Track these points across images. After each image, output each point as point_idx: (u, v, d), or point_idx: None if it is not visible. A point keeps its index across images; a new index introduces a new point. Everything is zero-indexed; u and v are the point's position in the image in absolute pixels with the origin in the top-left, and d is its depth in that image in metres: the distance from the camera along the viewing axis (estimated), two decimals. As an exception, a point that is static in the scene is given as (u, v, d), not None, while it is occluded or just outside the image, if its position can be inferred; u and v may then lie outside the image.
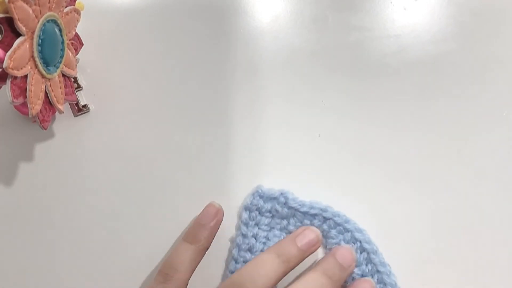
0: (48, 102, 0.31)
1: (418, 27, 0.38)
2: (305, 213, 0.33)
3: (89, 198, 0.34)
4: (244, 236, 0.33)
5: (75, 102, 0.35)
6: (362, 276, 0.32)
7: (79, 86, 0.36)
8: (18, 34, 0.27)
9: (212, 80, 0.37)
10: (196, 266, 0.31)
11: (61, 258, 0.33)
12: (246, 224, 0.33)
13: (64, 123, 0.36)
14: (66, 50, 0.32)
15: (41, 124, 0.30)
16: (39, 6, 0.27)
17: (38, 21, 0.28)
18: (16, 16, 0.25)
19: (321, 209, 0.33)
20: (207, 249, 0.32)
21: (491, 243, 0.33)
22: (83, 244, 0.34)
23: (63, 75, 0.32)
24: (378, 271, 0.32)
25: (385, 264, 0.32)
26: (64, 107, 0.32)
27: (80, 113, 0.36)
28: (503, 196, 0.34)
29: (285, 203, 0.33)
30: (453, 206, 0.34)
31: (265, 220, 0.33)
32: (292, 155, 0.35)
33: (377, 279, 0.32)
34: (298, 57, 0.38)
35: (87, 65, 0.37)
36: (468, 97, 0.37)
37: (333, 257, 0.31)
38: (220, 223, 0.33)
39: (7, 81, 0.26)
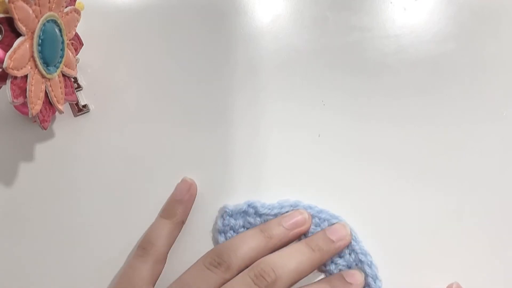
0: (48, 102, 0.31)
1: (418, 27, 0.38)
2: (277, 215, 0.33)
3: (89, 198, 0.34)
4: None
5: (75, 102, 0.35)
6: (348, 266, 0.32)
7: (79, 86, 0.36)
8: (18, 34, 0.27)
9: (212, 80, 0.37)
10: (174, 240, 0.33)
11: (61, 258, 0.33)
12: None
13: (64, 123, 0.36)
14: (66, 50, 0.32)
15: (41, 124, 0.30)
16: (39, 6, 0.27)
17: (38, 21, 0.28)
18: (16, 16, 0.25)
19: (291, 206, 0.33)
20: (183, 223, 0.33)
21: (491, 242, 0.33)
22: (83, 243, 0.34)
23: (63, 75, 0.32)
24: (360, 261, 0.32)
25: (366, 253, 0.32)
26: (64, 107, 0.32)
27: (80, 113, 0.36)
28: (502, 195, 0.34)
29: (255, 213, 0.33)
30: (454, 205, 0.34)
31: None
32: (292, 155, 0.35)
33: (360, 270, 0.32)
34: (298, 57, 0.38)
35: (87, 65, 0.37)
36: (468, 97, 0.37)
37: (322, 231, 0.32)
38: (194, 197, 0.34)
39: (7, 81, 0.26)
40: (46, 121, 0.31)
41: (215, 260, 0.30)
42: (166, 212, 0.33)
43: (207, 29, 0.38)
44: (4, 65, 0.26)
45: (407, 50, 0.38)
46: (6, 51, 0.26)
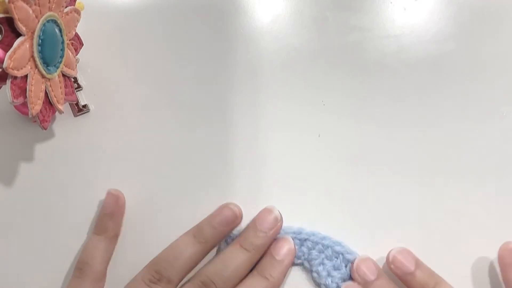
0: (48, 102, 0.31)
1: (418, 27, 0.38)
2: None
3: (89, 198, 0.34)
4: None
5: (75, 102, 0.35)
6: (343, 279, 0.32)
7: (79, 86, 0.36)
8: (18, 34, 0.27)
9: (212, 80, 0.37)
10: (110, 255, 0.32)
11: (61, 258, 0.33)
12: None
13: (64, 123, 0.36)
14: (66, 50, 0.32)
15: (41, 124, 0.30)
16: (39, 6, 0.27)
17: (38, 21, 0.28)
18: (16, 16, 0.25)
19: (295, 232, 0.33)
20: (117, 236, 0.33)
21: (492, 242, 0.33)
22: (83, 243, 0.34)
23: (63, 75, 0.32)
24: None
25: None
26: (64, 107, 0.32)
27: (80, 113, 0.36)
28: (503, 195, 0.34)
29: None
30: (454, 204, 0.34)
31: None
32: (292, 155, 0.35)
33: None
34: (298, 57, 0.38)
35: (87, 65, 0.37)
36: (468, 97, 0.37)
37: (252, 225, 0.32)
38: (123, 208, 0.33)
39: (7, 81, 0.26)
40: (46, 121, 0.31)
41: (154, 276, 0.30)
42: (98, 228, 0.33)
43: (207, 29, 0.38)
44: (4, 65, 0.26)
45: (407, 50, 0.38)
46: (6, 51, 0.26)
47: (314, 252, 0.32)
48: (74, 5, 0.32)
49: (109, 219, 0.33)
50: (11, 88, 0.27)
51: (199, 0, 0.39)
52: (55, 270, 0.33)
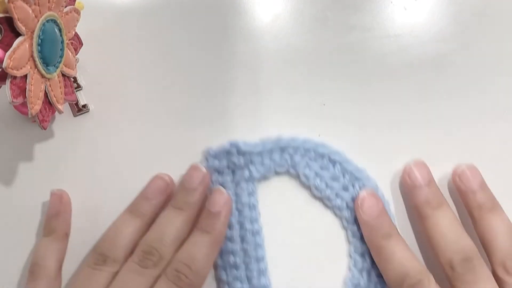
0: (48, 102, 0.31)
1: (418, 27, 0.38)
2: (261, 153, 0.31)
3: (88, 198, 0.34)
4: None
5: (74, 102, 0.35)
6: (343, 188, 0.31)
7: (78, 86, 0.36)
8: (17, 34, 0.27)
9: (212, 80, 0.37)
10: (62, 255, 0.32)
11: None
12: (211, 190, 0.32)
13: (64, 123, 0.36)
14: (66, 50, 0.32)
15: (40, 124, 0.30)
16: (38, 6, 0.27)
17: (38, 21, 0.28)
18: (15, 16, 0.25)
19: (273, 142, 0.32)
20: (67, 235, 0.33)
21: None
22: (83, 244, 0.33)
23: (63, 75, 0.32)
24: (356, 178, 0.31)
25: (361, 170, 0.31)
26: (63, 107, 0.32)
27: (80, 113, 0.36)
28: (503, 195, 0.34)
29: (238, 152, 0.32)
30: (454, 205, 0.34)
31: (227, 178, 0.32)
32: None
33: (359, 186, 0.31)
34: (298, 57, 0.38)
35: (87, 65, 0.37)
36: (468, 97, 0.36)
37: (181, 185, 0.32)
38: (70, 205, 0.33)
39: (6, 81, 0.26)
40: (46, 121, 0.31)
41: (99, 259, 0.30)
42: (46, 229, 0.32)
43: (207, 29, 0.38)
44: (4, 65, 0.26)
45: (407, 50, 0.38)
46: (5, 51, 0.26)
47: (297, 157, 0.32)
48: (73, 5, 0.32)
49: (55, 219, 0.32)
50: (11, 88, 0.27)
51: (199, 0, 0.39)
52: (54, 270, 0.33)
